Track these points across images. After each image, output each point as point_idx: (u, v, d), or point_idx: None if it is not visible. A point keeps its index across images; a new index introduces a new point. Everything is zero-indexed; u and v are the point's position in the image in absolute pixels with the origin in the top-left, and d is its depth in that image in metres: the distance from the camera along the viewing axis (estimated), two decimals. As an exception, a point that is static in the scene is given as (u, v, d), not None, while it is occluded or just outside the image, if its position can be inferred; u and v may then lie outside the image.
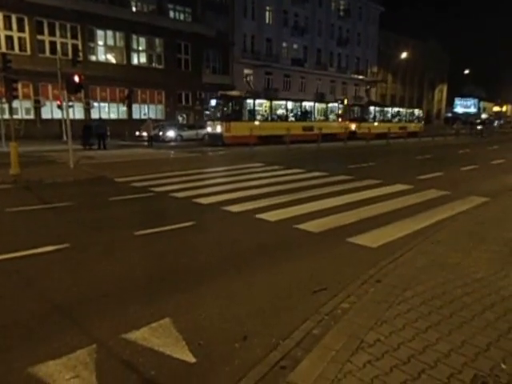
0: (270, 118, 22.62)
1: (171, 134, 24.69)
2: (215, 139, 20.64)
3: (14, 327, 3.06)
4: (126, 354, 2.70)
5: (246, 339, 2.90)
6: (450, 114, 72.43)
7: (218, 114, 20.96)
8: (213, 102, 21.70)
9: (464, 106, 78.55)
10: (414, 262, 4.20)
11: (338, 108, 26.98)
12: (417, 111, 35.38)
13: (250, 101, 21.80)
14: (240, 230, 5.75)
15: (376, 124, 28.42)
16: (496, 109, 79.08)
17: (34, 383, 2.41)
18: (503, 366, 2.41)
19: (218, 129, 20.51)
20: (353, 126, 26.50)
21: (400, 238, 5.25)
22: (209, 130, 21.65)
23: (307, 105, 25.19)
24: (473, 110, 77.60)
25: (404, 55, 41.71)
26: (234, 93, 23.23)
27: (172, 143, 23.30)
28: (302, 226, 5.76)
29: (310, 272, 4.18)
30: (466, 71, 59.27)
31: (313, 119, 24.96)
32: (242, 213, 6.60)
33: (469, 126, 40.58)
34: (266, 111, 22.55)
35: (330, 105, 26.87)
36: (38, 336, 2.93)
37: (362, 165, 13.29)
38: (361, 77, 47.21)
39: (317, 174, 11.01)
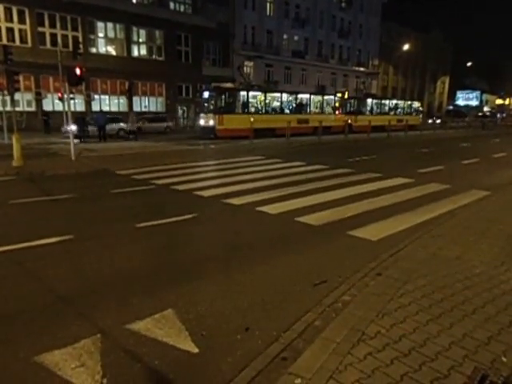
0: (264, 111, 22.24)
1: (73, 127, 22.12)
2: (208, 132, 20.23)
3: (20, 317, 3.10)
4: (129, 344, 2.74)
5: (248, 330, 2.93)
6: (451, 107, 71.89)
7: (211, 107, 20.56)
8: (205, 94, 21.13)
9: (466, 99, 77.93)
10: (415, 255, 4.22)
11: (334, 100, 26.65)
12: (415, 104, 35.09)
13: (243, 93, 21.34)
14: (241, 223, 5.77)
15: (373, 117, 28.08)
16: (499, 101, 78.44)
17: (40, 372, 2.45)
18: (504, 359, 2.43)
19: (211, 122, 20.09)
20: (349, 119, 26.09)
21: (401, 231, 5.26)
22: (201, 122, 21.11)
23: (302, 97, 24.79)
24: (475, 102, 77.01)
25: (406, 47, 41.30)
26: (228, 85, 22.83)
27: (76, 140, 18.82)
28: (302, 219, 5.78)
29: (310, 264, 4.21)
30: (469, 63, 58.71)
31: (308, 112, 24.63)
32: (243, 205, 6.61)
33: (480, 119, 41.19)
34: (260, 104, 22.20)
35: (326, 97, 26.51)
36: (43, 326, 2.97)
37: (363, 158, 13.26)
38: (362, 69, 46.83)
39: (317, 167, 11.00)
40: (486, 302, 3.16)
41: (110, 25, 27.23)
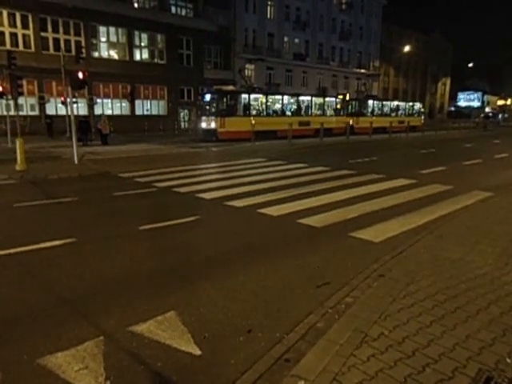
0: (265, 113, 22.28)
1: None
2: (209, 135, 20.26)
3: (23, 319, 3.11)
4: (132, 346, 2.75)
5: (251, 332, 2.93)
6: (453, 108, 71.79)
7: (213, 109, 20.57)
8: (207, 97, 21.18)
9: (467, 100, 77.78)
10: (418, 256, 4.20)
11: (336, 102, 26.69)
12: (417, 105, 35.03)
13: (244, 95, 21.42)
14: (243, 225, 5.77)
15: (374, 118, 28.02)
16: (500, 102, 78.28)
17: (43, 374, 2.45)
18: (508, 360, 2.41)
19: (213, 124, 20.13)
20: (350, 121, 25.93)
21: (403, 232, 5.25)
22: (203, 125, 21.10)
23: (304, 99, 24.84)
24: (476, 103, 76.85)
25: (407, 48, 41.35)
26: (229, 87, 22.83)
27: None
28: (304, 221, 5.77)
29: (313, 266, 4.20)
30: (470, 64, 58.67)
31: (310, 114, 24.66)
32: (244, 208, 6.61)
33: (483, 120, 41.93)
34: (261, 106, 22.26)
35: (327, 99, 26.56)
36: (46, 328, 2.98)
37: (365, 159, 13.26)
38: (363, 71, 46.89)
39: (319, 168, 11.00)
40: (490, 302, 3.15)
41: (112, 29, 27.42)
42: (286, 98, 23.88)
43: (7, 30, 23.48)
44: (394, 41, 50.71)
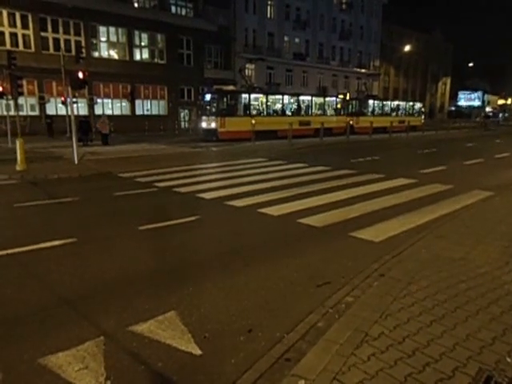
0: (265, 113, 22.26)
1: None
2: (210, 135, 20.24)
3: (24, 319, 3.11)
4: (133, 346, 2.75)
5: (251, 332, 2.93)
6: (453, 108, 71.78)
7: (213, 109, 20.53)
8: (207, 97, 21.16)
9: (468, 100, 77.70)
10: (418, 256, 4.20)
11: (336, 102, 26.67)
12: (417, 105, 34.99)
13: (245, 95, 21.41)
14: (243, 225, 5.77)
15: (374, 118, 27.90)
16: (501, 102, 78.27)
17: (44, 374, 2.46)
18: (508, 359, 2.42)
19: (213, 124, 20.13)
20: (350, 120, 25.76)
21: (403, 232, 5.25)
22: (203, 125, 21.05)
23: (304, 99, 24.81)
24: (477, 103, 76.79)
25: (407, 48, 41.34)
26: (229, 87, 22.79)
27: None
28: (305, 221, 5.77)
29: (313, 266, 4.20)
30: (470, 64, 58.65)
31: (310, 114, 24.64)
32: (245, 207, 6.61)
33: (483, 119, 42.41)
34: (261, 106, 22.25)
35: (327, 99, 26.53)
36: (47, 328, 2.98)
37: (365, 159, 13.25)
38: (363, 70, 46.86)
39: (320, 168, 11.00)
40: (490, 302, 3.15)
41: (112, 29, 27.40)
42: (286, 97, 23.85)
43: (7, 30, 23.48)
44: (395, 40, 50.66)
